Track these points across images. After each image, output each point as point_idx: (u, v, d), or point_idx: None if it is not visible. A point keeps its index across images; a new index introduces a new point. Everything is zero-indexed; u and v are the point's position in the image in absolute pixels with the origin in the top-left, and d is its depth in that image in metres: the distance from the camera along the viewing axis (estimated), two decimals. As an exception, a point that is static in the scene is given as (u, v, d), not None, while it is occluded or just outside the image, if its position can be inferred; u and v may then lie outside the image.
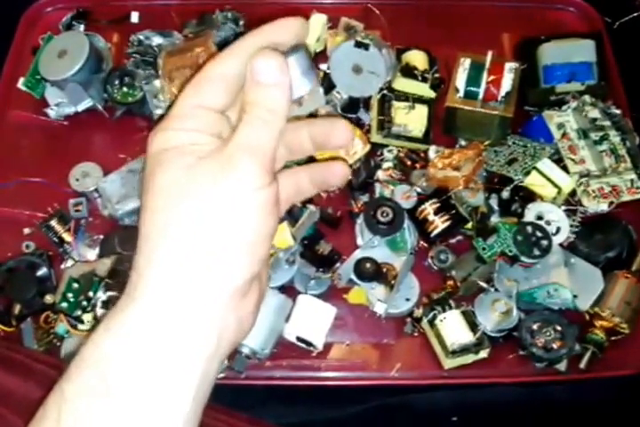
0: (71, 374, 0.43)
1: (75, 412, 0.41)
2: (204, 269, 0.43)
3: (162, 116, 1.01)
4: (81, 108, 1.04)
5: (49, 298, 0.88)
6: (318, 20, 1.06)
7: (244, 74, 0.47)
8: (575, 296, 0.90)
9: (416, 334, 0.92)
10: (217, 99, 0.48)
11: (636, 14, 1.11)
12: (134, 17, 1.12)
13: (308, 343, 0.88)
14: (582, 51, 1.04)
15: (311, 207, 0.92)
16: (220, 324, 0.44)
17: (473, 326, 0.89)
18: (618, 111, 1.01)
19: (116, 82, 1.05)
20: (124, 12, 1.14)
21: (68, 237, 0.95)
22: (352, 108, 1.02)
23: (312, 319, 0.88)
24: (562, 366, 0.89)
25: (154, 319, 0.43)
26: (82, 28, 1.10)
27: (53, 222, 0.95)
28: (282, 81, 0.46)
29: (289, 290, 0.92)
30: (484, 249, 0.91)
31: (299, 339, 0.88)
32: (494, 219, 0.95)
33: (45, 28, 1.12)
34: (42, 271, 0.92)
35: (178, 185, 0.44)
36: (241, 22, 1.08)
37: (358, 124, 1.01)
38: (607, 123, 0.99)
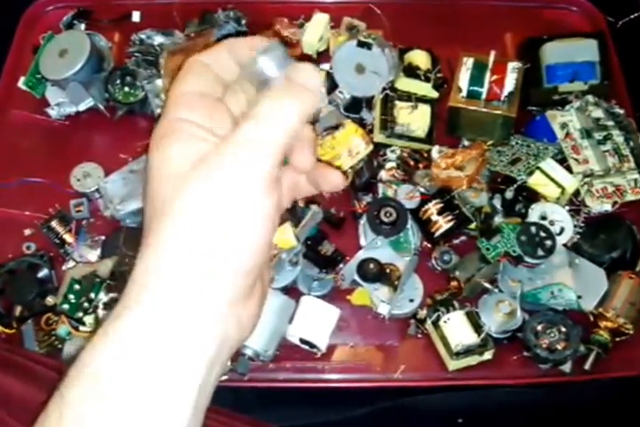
0: (71, 379, 0.42)
1: (75, 417, 0.41)
2: (203, 277, 0.42)
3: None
4: (82, 107, 1.04)
5: (50, 300, 0.87)
6: (321, 20, 1.06)
7: (230, 63, 0.48)
8: (579, 297, 0.89)
9: (420, 336, 0.92)
10: (200, 84, 0.48)
11: (638, 14, 1.10)
12: (136, 16, 1.12)
13: (312, 345, 0.88)
14: (585, 50, 1.04)
15: (314, 208, 0.92)
16: (220, 328, 0.43)
17: (477, 327, 0.88)
18: (621, 111, 1.01)
19: (118, 81, 1.04)
20: (125, 11, 1.13)
21: (69, 238, 0.94)
22: (355, 107, 1.01)
23: (315, 321, 0.88)
24: (566, 367, 0.89)
25: (151, 326, 0.42)
26: (83, 27, 1.09)
27: (54, 223, 0.94)
28: (319, 90, 0.46)
29: (292, 291, 0.91)
30: (487, 249, 0.91)
31: (302, 341, 0.88)
32: (498, 219, 0.95)
33: (46, 27, 1.12)
34: (43, 273, 0.92)
35: (174, 189, 0.43)
36: (243, 21, 1.07)
37: (361, 123, 1.00)
38: (610, 122, 0.99)
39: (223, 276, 0.42)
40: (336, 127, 0.93)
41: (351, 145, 0.94)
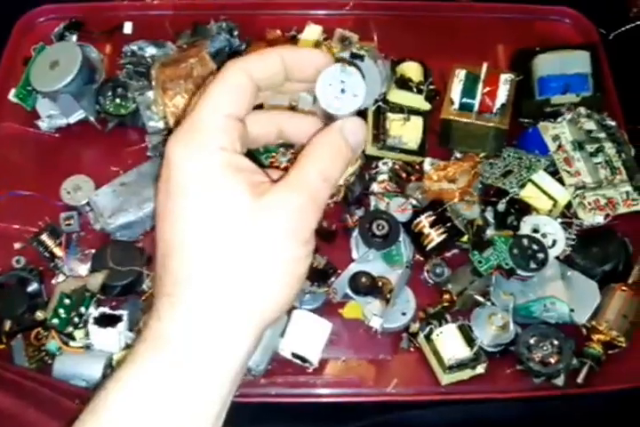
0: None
1: None
2: (230, 320, 0.43)
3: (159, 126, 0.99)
4: (73, 119, 1.03)
5: (40, 314, 0.87)
6: (313, 32, 1.05)
7: (277, 74, 0.47)
8: (572, 310, 0.89)
9: (412, 350, 0.91)
10: (245, 108, 0.46)
11: (630, 26, 1.11)
12: (127, 27, 1.11)
13: (304, 359, 0.87)
14: (577, 62, 1.03)
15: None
16: (244, 362, 0.44)
17: (470, 340, 0.88)
18: (613, 123, 1.00)
19: (109, 93, 1.03)
20: (117, 22, 1.12)
21: (59, 251, 0.94)
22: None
23: (307, 335, 0.87)
24: (560, 380, 0.88)
25: (174, 376, 0.42)
26: (74, 38, 1.09)
27: (44, 237, 0.93)
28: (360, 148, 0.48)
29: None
30: (480, 262, 0.91)
31: (294, 355, 0.87)
32: (490, 232, 0.94)
33: (37, 38, 1.11)
34: (32, 287, 0.91)
35: (211, 225, 0.43)
36: (235, 33, 1.07)
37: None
38: (602, 135, 0.99)
39: (251, 313, 0.43)
40: None
41: None
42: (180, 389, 0.42)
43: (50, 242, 0.94)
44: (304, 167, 0.45)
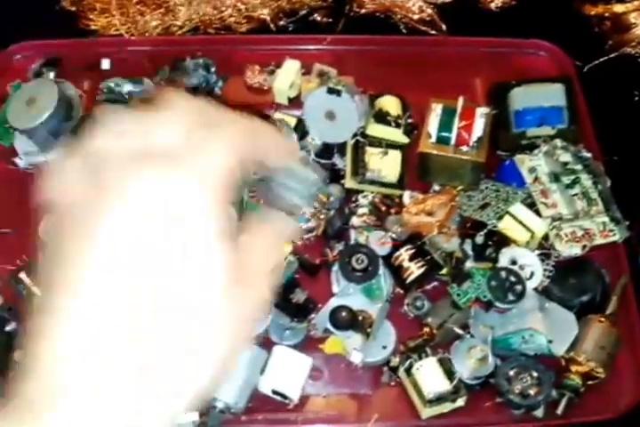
0: None
1: None
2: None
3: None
4: (50, 157, 1.02)
5: (18, 354, 0.86)
6: (291, 67, 1.06)
7: None
8: (550, 341, 0.89)
9: (393, 384, 0.91)
10: None
11: (605, 58, 1.12)
12: (105, 64, 1.10)
13: (284, 396, 0.87)
14: (553, 95, 1.04)
15: (289, 257, 0.92)
16: None
17: (450, 373, 0.88)
18: (589, 154, 1.01)
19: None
20: (96, 58, 1.11)
21: (38, 290, 0.93)
22: (326, 153, 1.02)
23: (287, 371, 0.87)
24: (539, 412, 0.89)
25: None
26: (52, 75, 1.08)
27: (23, 275, 0.93)
28: None
29: (264, 341, 0.91)
30: (458, 295, 0.91)
31: (274, 392, 0.87)
32: (469, 264, 0.95)
33: (15, 75, 1.10)
34: (11, 326, 0.90)
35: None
36: (212, 69, 1.07)
37: (333, 169, 1.01)
38: (578, 166, 1.00)
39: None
40: None
41: None
42: None
43: (29, 280, 0.93)
44: None
